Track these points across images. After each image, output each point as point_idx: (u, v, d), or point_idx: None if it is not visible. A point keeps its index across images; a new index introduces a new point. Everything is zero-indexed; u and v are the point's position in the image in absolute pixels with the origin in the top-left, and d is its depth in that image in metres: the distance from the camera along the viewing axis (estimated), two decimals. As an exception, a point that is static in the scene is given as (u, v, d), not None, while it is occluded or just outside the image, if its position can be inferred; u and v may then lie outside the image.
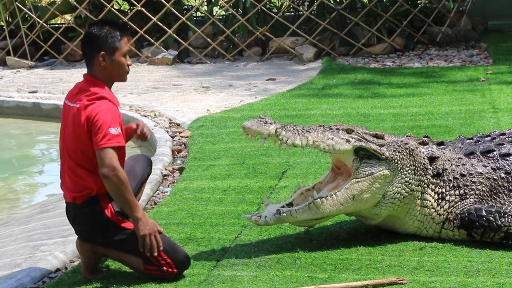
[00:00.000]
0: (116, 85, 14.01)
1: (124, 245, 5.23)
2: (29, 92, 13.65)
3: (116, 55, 5.26)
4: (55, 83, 14.45)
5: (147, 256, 5.19)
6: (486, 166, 5.95)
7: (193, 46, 16.58)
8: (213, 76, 14.57)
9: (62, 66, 16.49)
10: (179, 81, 14.26)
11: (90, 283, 5.34)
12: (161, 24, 16.37)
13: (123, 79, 5.36)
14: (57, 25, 18.13)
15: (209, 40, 16.34)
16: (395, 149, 5.82)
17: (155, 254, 5.15)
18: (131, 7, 17.17)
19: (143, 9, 16.36)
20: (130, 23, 16.39)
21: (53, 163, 10.34)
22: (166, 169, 8.31)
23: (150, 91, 13.28)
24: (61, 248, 5.98)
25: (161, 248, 5.16)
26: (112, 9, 16.54)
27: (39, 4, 17.28)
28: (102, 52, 5.22)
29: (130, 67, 5.36)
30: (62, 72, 15.74)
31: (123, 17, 16.32)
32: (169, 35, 16.46)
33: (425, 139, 6.08)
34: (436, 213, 5.86)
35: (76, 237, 5.82)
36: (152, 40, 16.49)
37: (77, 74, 15.18)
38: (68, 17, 17.66)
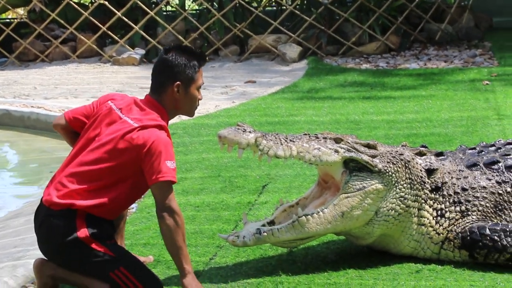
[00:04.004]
0: (76, 88, 14.08)
1: (90, 268, 5.24)
2: (-24, 96, 13.59)
3: (191, 87, 5.42)
4: (6, 86, 14.38)
5: (117, 281, 5.21)
6: (490, 179, 5.99)
7: (163, 44, 16.57)
8: (185, 78, 14.56)
9: (13, 66, 16.41)
10: (147, 83, 14.17)
11: (45, 311, 5.33)
12: (126, 20, 16.35)
13: (191, 113, 5.53)
14: (7, 20, 18.06)
15: (180, 37, 16.36)
16: (389, 161, 5.86)
17: None
18: (93, 1, 17.15)
19: (106, 2, 16.35)
20: (91, 18, 16.38)
21: (1, 176, 10.28)
22: (131, 183, 8.28)
23: (114, 94, 13.25)
24: (11, 273, 5.95)
25: None
26: (71, 2, 16.51)
27: (-12, -4, 17.21)
28: (178, 82, 5.37)
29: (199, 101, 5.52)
30: (13, 73, 15.67)
31: (83, 11, 16.31)
32: (135, 32, 16.45)
33: (423, 149, 6.12)
34: (434, 232, 5.89)
35: (31, 259, 5.80)
36: (116, 38, 16.47)
37: (32, 75, 15.13)
38: (20, 11, 17.62)
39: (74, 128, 5.53)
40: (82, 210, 5.20)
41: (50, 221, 5.22)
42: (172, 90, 5.38)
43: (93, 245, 5.22)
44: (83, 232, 5.19)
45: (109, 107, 5.41)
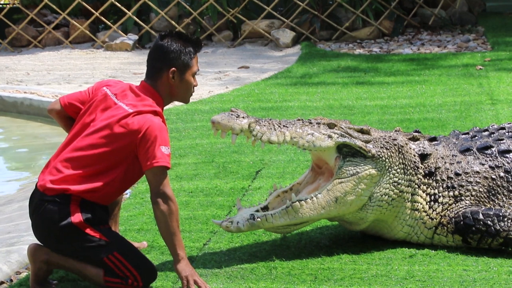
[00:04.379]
0: (69, 73, 14.04)
1: (84, 253, 5.25)
2: (-31, 82, 13.55)
3: (186, 73, 5.41)
4: (-1, 72, 14.37)
5: (111, 266, 5.22)
6: (483, 164, 6.00)
7: (156, 30, 16.54)
8: (178, 63, 14.54)
9: (6, 52, 16.36)
10: (140, 69, 14.21)
11: (39, 297, 5.34)
12: (119, 5, 16.29)
13: (186, 100, 5.52)
14: (0, 6, 17.98)
15: (173, 23, 16.31)
16: (382, 146, 5.86)
17: None
18: (85, -14, 17.09)
19: (99, -12, 16.29)
20: (84, 3, 16.32)
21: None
22: (125, 169, 8.28)
23: (107, 80, 13.23)
24: (5, 258, 5.95)
25: None
26: (64, -13, 16.46)
27: (-20, -18, 17.14)
28: (173, 68, 5.37)
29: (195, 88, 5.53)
30: (6, 59, 15.62)
31: (76, -3, 16.26)
32: (128, 18, 16.40)
33: (416, 134, 6.13)
34: (428, 216, 5.90)
35: (25, 245, 5.80)
36: (109, 23, 16.42)
37: (24, 61, 15.09)
38: (13, -4, 17.55)
39: (68, 114, 5.53)
40: (76, 195, 5.22)
41: (44, 206, 5.23)
42: (167, 76, 5.37)
43: (87, 230, 5.23)
44: (77, 217, 5.21)
45: (104, 93, 5.41)
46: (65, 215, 5.20)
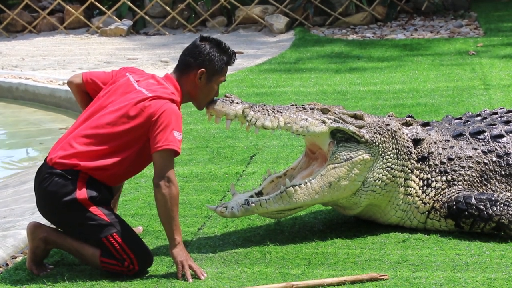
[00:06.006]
0: (64, 59, 13.99)
1: (83, 231, 5.27)
2: (-36, 67, 13.49)
3: (213, 79, 5.48)
4: (-6, 57, 14.31)
5: (108, 247, 5.23)
6: (476, 149, 6.00)
7: (150, 16, 16.50)
8: (172, 49, 14.52)
9: (1, 37, 16.30)
10: (135, 54, 14.18)
11: (35, 281, 5.30)
12: (113, -10, 16.23)
13: (201, 105, 5.58)
14: (-5, -9, 17.90)
15: (168, 8, 16.26)
16: (375, 131, 5.85)
17: (190, 281, 5.22)
18: (80, -29, 17.02)
19: (93, -27, 16.23)
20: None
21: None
22: (120, 154, 8.27)
23: (101, 65, 13.20)
24: (0, 243, 5.94)
25: (204, 275, 5.28)
26: (58, -27, 16.39)
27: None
28: (203, 69, 5.43)
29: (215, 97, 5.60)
30: (1, 44, 15.56)
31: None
32: (122, 3, 16.34)
33: (409, 119, 6.12)
34: (421, 201, 5.91)
35: (21, 229, 5.79)
36: (104, 9, 16.36)
37: (19, 47, 15.03)
38: (7, -18, 17.47)
39: (87, 90, 5.60)
40: (84, 172, 5.25)
41: (52, 179, 5.26)
42: (194, 74, 5.44)
43: (90, 208, 5.27)
44: (82, 194, 5.25)
45: (126, 78, 5.48)
46: (71, 190, 5.24)
